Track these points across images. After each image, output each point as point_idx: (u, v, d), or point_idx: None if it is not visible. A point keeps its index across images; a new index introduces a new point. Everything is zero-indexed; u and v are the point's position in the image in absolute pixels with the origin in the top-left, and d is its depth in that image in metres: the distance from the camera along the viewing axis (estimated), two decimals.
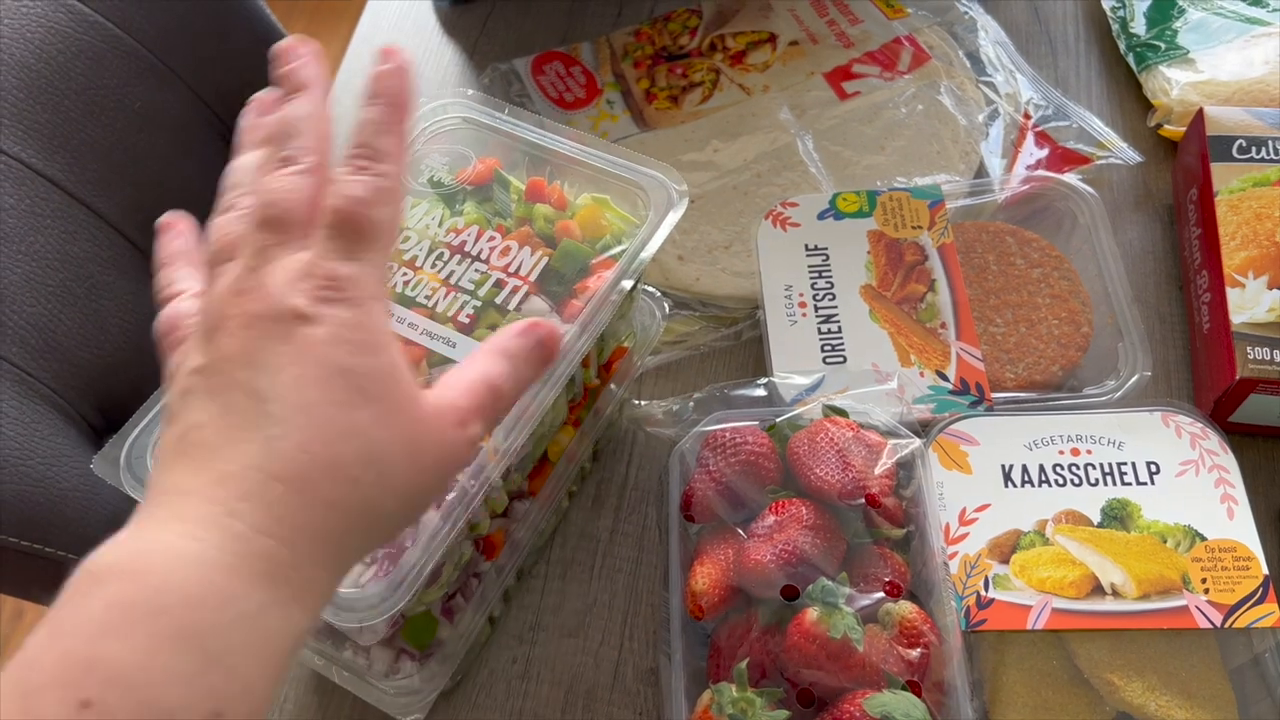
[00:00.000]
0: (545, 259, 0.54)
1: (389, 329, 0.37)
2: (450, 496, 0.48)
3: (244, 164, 0.40)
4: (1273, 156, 0.65)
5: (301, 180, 0.37)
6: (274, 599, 0.32)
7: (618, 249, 0.53)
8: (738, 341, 0.72)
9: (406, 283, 0.54)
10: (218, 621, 0.31)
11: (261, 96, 0.42)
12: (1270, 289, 0.61)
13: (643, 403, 0.65)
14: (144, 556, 0.32)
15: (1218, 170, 0.65)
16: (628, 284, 0.52)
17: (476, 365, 0.40)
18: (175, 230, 0.45)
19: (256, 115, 0.42)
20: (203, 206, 0.87)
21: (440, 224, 0.55)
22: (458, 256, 0.54)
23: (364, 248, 0.36)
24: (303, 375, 0.34)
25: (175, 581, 0.31)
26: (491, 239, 0.55)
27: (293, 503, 0.33)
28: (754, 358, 0.71)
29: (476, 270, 0.54)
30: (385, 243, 0.38)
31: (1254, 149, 0.66)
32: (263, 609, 0.32)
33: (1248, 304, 0.61)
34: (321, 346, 0.35)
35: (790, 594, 0.52)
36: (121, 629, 0.30)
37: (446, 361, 0.51)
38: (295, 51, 0.40)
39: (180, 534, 0.32)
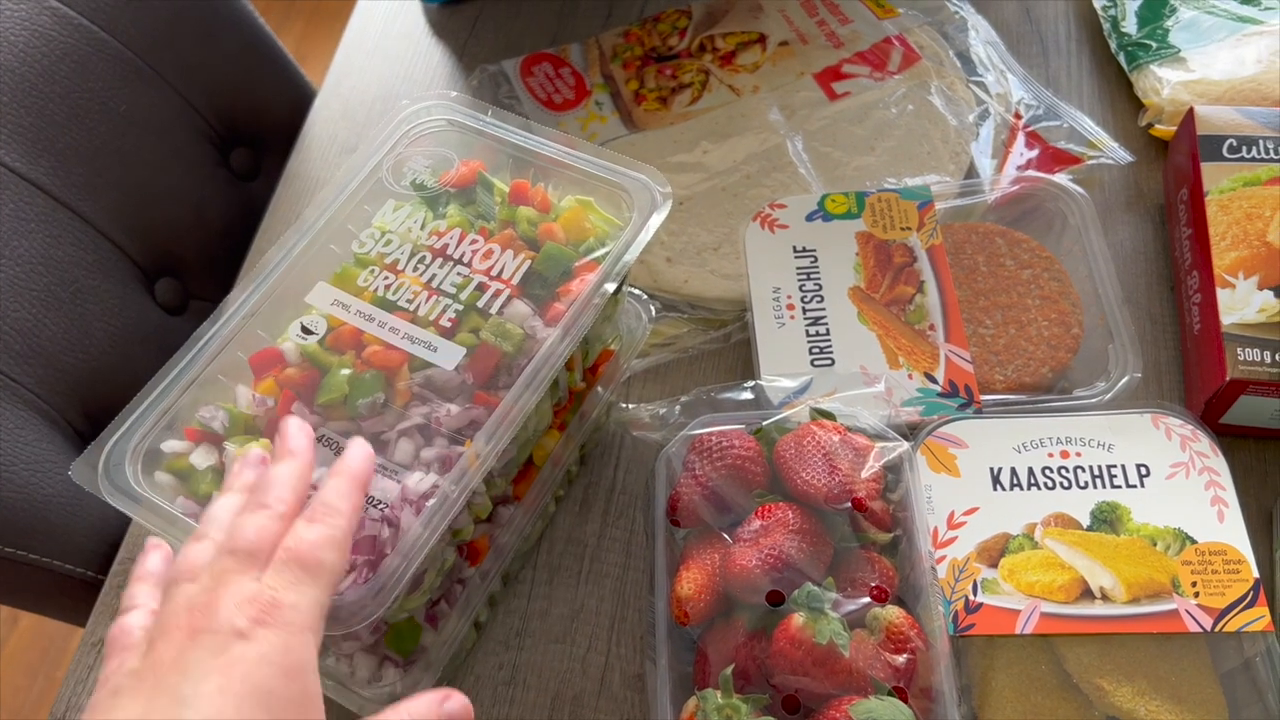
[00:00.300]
0: (528, 262, 0.53)
1: (314, 660, 0.40)
2: (431, 502, 0.48)
3: (223, 504, 0.45)
4: (1263, 156, 0.65)
5: (271, 524, 0.42)
6: None
7: (601, 251, 0.53)
8: (726, 344, 0.72)
9: (388, 286, 0.53)
10: None
11: (252, 451, 0.48)
12: (1261, 290, 0.60)
13: (630, 406, 0.64)
14: None
15: (1208, 170, 0.65)
16: (611, 287, 0.52)
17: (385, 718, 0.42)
18: (156, 552, 0.48)
19: (242, 466, 0.47)
20: (187, 210, 0.87)
21: (423, 227, 0.55)
22: (440, 259, 0.54)
23: (308, 583, 0.41)
24: (225, 687, 0.37)
25: None
26: (474, 242, 0.54)
27: None
28: (743, 360, 0.71)
29: (459, 274, 0.53)
30: (327, 582, 0.42)
31: (1245, 149, 0.65)
32: None
33: (1238, 305, 0.60)
34: (249, 664, 0.38)
35: (775, 599, 0.52)
36: None
37: (428, 366, 0.51)
38: (290, 427, 0.47)
39: None
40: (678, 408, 0.62)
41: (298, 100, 0.94)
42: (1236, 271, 0.61)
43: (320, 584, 0.41)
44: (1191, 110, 0.68)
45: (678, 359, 0.71)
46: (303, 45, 2.19)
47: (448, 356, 0.51)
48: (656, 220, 0.53)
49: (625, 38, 0.87)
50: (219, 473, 0.50)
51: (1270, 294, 0.60)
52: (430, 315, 0.52)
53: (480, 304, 0.52)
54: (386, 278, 0.53)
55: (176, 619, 0.40)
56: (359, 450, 0.47)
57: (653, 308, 0.64)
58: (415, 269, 0.54)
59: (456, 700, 0.44)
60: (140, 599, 0.45)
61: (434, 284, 0.53)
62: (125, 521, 0.70)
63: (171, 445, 0.51)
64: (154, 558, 0.47)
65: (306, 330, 0.52)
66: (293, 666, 0.39)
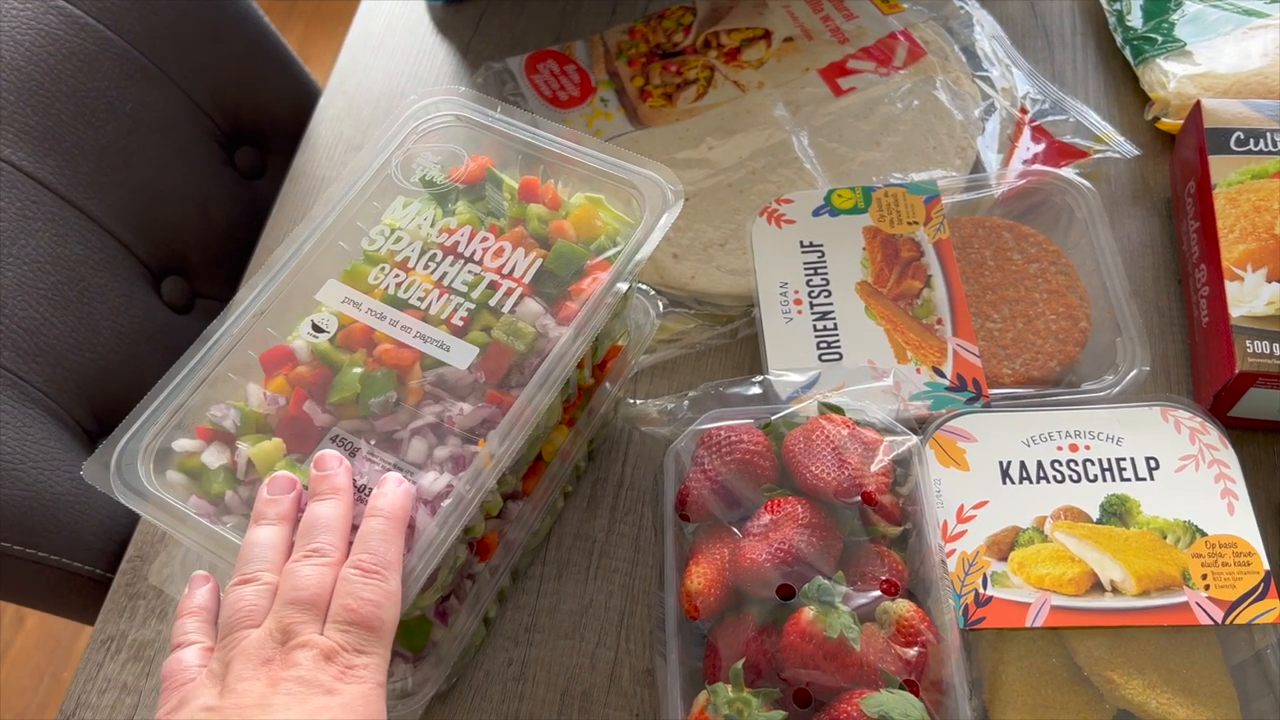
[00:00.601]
0: (539, 260, 0.53)
1: (384, 712, 0.44)
2: (446, 503, 0.48)
3: (262, 540, 0.47)
4: (1271, 149, 0.65)
5: (325, 572, 0.45)
6: None
7: (613, 250, 0.53)
8: (734, 339, 0.72)
9: (399, 284, 0.53)
10: None
11: (280, 476, 0.49)
12: (1269, 282, 0.60)
13: (638, 401, 0.64)
14: None
15: (1215, 163, 0.65)
16: (623, 286, 0.52)
17: None
18: (204, 588, 0.49)
19: (272, 492, 0.48)
20: (193, 208, 0.87)
21: (432, 224, 0.55)
22: (450, 257, 0.54)
23: (375, 642, 0.44)
24: None
25: None
26: (485, 240, 0.54)
27: None
28: (750, 355, 0.71)
29: (470, 272, 0.53)
30: (387, 639, 0.45)
31: (1252, 141, 0.65)
32: None
33: (1246, 297, 0.60)
34: (334, 710, 0.41)
35: (786, 593, 0.52)
36: None
37: (440, 365, 0.51)
38: (329, 462, 0.48)
39: None
40: (686, 403, 0.62)
41: (303, 99, 0.94)
42: (1245, 264, 0.61)
43: (384, 641, 0.44)
44: (1198, 103, 0.68)
45: (685, 355, 0.71)
46: (305, 45, 2.19)
47: (460, 355, 0.51)
48: (669, 218, 0.53)
49: (630, 34, 0.87)
50: (230, 471, 0.50)
51: (1279, 286, 0.60)
52: (442, 314, 0.52)
53: (492, 302, 0.52)
54: (397, 275, 0.54)
55: (249, 666, 0.42)
56: (397, 490, 0.48)
57: (660, 304, 0.64)
58: (426, 267, 0.54)
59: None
60: (193, 635, 0.47)
61: (445, 282, 0.53)
62: (134, 519, 0.70)
63: (183, 444, 0.51)
64: (202, 593, 0.49)
65: (317, 328, 0.52)
66: (371, 717, 0.42)
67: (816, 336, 0.65)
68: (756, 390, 0.63)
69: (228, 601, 0.45)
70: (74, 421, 0.73)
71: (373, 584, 0.45)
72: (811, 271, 0.67)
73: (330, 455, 0.49)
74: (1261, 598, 0.54)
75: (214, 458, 0.50)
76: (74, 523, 0.70)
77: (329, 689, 0.42)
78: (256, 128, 0.93)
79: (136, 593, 0.66)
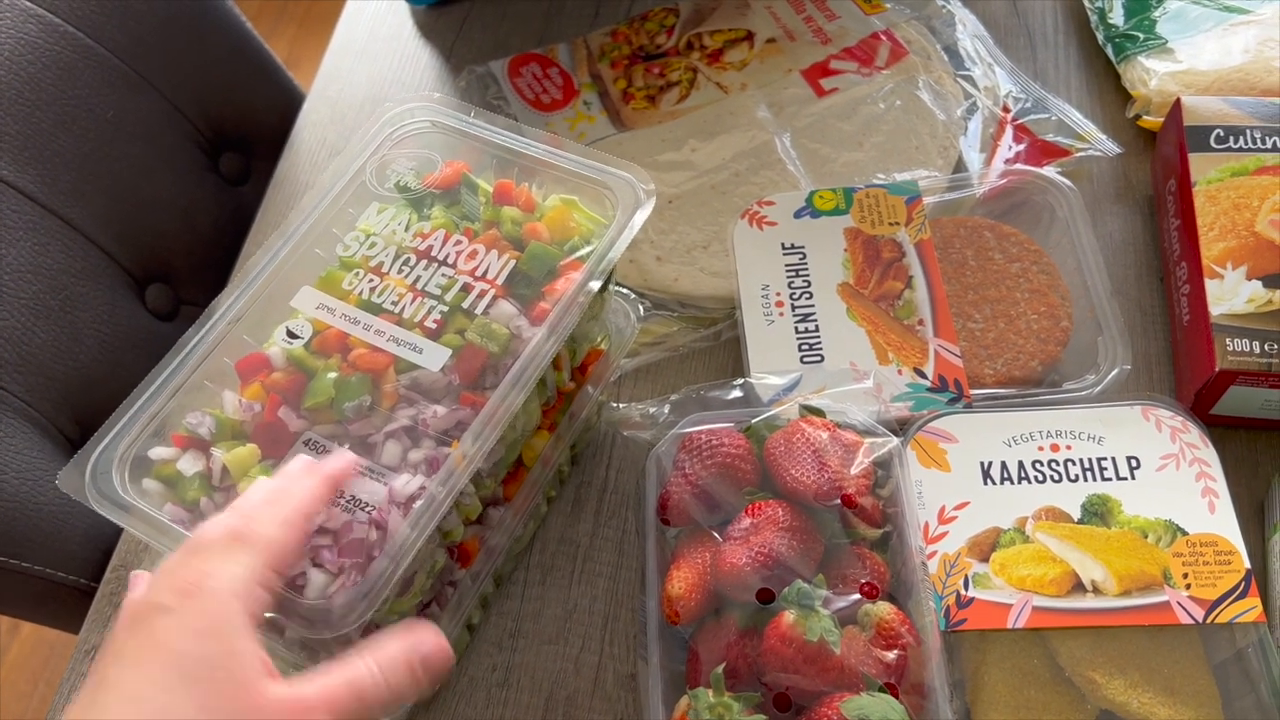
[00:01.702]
0: (513, 262, 0.53)
1: (240, 621, 0.39)
2: (418, 504, 0.48)
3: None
4: (1251, 146, 0.65)
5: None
6: None
7: (585, 250, 0.53)
8: (717, 342, 0.71)
9: (373, 289, 0.53)
10: None
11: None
12: (1249, 280, 0.60)
13: (620, 406, 0.64)
14: None
15: (1195, 160, 0.65)
16: (595, 285, 0.52)
17: (348, 666, 0.41)
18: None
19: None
20: (177, 215, 0.87)
21: (407, 228, 0.55)
22: (424, 261, 0.54)
23: (239, 550, 0.41)
24: (141, 658, 0.38)
25: None
26: (458, 243, 0.54)
27: None
28: (733, 358, 0.71)
29: (443, 275, 0.53)
30: (262, 551, 0.41)
31: (1232, 139, 0.65)
32: None
33: (1226, 295, 0.60)
34: (167, 633, 0.38)
35: (766, 597, 0.52)
36: None
37: (414, 368, 0.51)
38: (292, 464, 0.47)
39: None
40: (667, 406, 0.62)
41: (286, 104, 0.94)
42: (1225, 262, 0.61)
43: (252, 551, 0.41)
44: (1178, 101, 0.68)
45: (668, 358, 0.71)
46: (295, 49, 2.19)
47: (433, 358, 0.51)
48: (640, 217, 0.53)
49: (613, 37, 0.87)
50: (206, 479, 0.50)
51: (1259, 284, 0.60)
52: (415, 317, 0.52)
53: (465, 305, 0.52)
54: (371, 280, 0.53)
55: (120, 618, 0.40)
56: (338, 456, 0.47)
57: (641, 307, 0.64)
58: (400, 271, 0.54)
59: (428, 638, 0.43)
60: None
61: (419, 286, 0.53)
62: (117, 529, 0.70)
63: (159, 452, 0.51)
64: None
65: (292, 334, 0.52)
66: (210, 628, 0.38)
67: (798, 338, 0.65)
68: (738, 393, 0.63)
69: None
70: (57, 431, 0.73)
71: (258, 502, 0.43)
72: (793, 273, 0.67)
73: (298, 458, 0.48)
74: (1242, 596, 0.54)
75: (189, 465, 0.50)
76: (58, 533, 0.70)
77: (166, 608, 0.39)
78: (240, 134, 0.93)
79: (120, 602, 0.66)
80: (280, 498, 0.44)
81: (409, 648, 0.42)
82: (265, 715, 0.38)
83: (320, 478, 0.45)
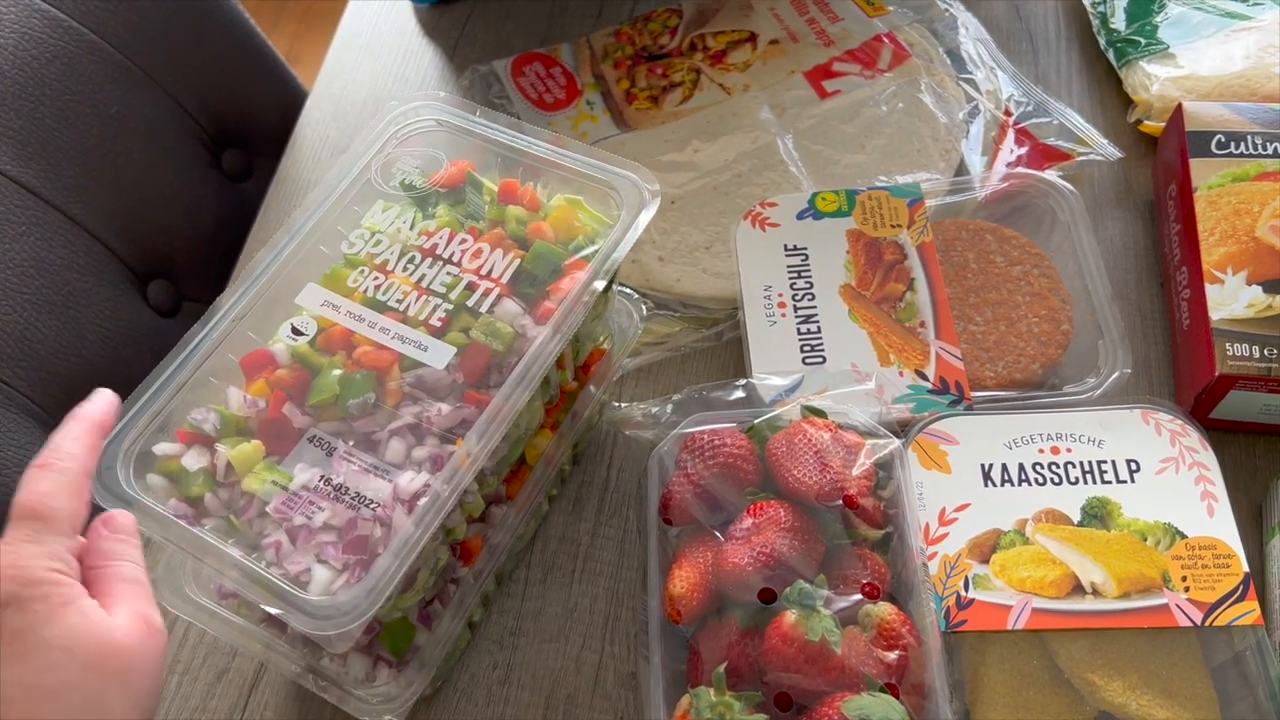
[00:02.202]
0: (517, 261, 0.53)
1: (45, 613, 0.41)
2: (423, 501, 0.48)
3: None
4: (1252, 152, 0.65)
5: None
6: None
7: (590, 249, 0.53)
8: (719, 342, 0.72)
9: (378, 287, 0.53)
10: None
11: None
12: (1249, 285, 0.61)
13: (623, 405, 0.64)
14: None
15: (1197, 166, 0.65)
16: (600, 284, 0.52)
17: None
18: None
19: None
20: (179, 212, 0.87)
21: (412, 227, 0.55)
22: (429, 259, 0.54)
23: (45, 531, 0.43)
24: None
25: None
26: (463, 241, 0.54)
27: None
28: (735, 358, 0.71)
29: (448, 273, 0.53)
30: (63, 526, 0.44)
31: (1233, 144, 0.66)
32: None
33: (1227, 300, 0.60)
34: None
35: (767, 597, 0.52)
36: None
37: (419, 366, 0.51)
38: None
39: None
40: (670, 406, 0.62)
41: (289, 102, 0.94)
42: (1225, 267, 0.62)
43: (56, 528, 0.43)
44: (1180, 106, 0.68)
45: (670, 357, 0.71)
46: (295, 45, 2.19)
47: (438, 356, 0.51)
48: (645, 217, 0.53)
49: (616, 37, 0.87)
50: (210, 474, 0.50)
51: (1259, 289, 0.60)
52: (420, 315, 0.52)
53: (470, 303, 0.52)
54: (376, 278, 0.54)
55: None
56: (100, 397, 0.49)
57: (644, 306, 0.64)
58: (405, 269, 0.54)
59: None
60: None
61: (424, 284, 0.53)
62: None
63: (163, 447, 0.51)
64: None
65: (297, 331, 0.52)
66: (17, 595, 0.41)
67: (800, 340, 0.65)
68: (740, 394, 0.63)
69: None
70: (58, 425, 0.73)
71: (45, 474, 0.45)
72: (795, 275, 0.68)
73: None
74: (1241, 599, 0.54)
75: (194, 460, 0.50)
76: None
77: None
78: (242, 131, 0.93)
79: None
80: (62, 459, 0.46)
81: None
82: (135, 648, 0.43)
83: (95, 429, 0.48)
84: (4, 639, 0.40)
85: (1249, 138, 0.66)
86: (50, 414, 0.72)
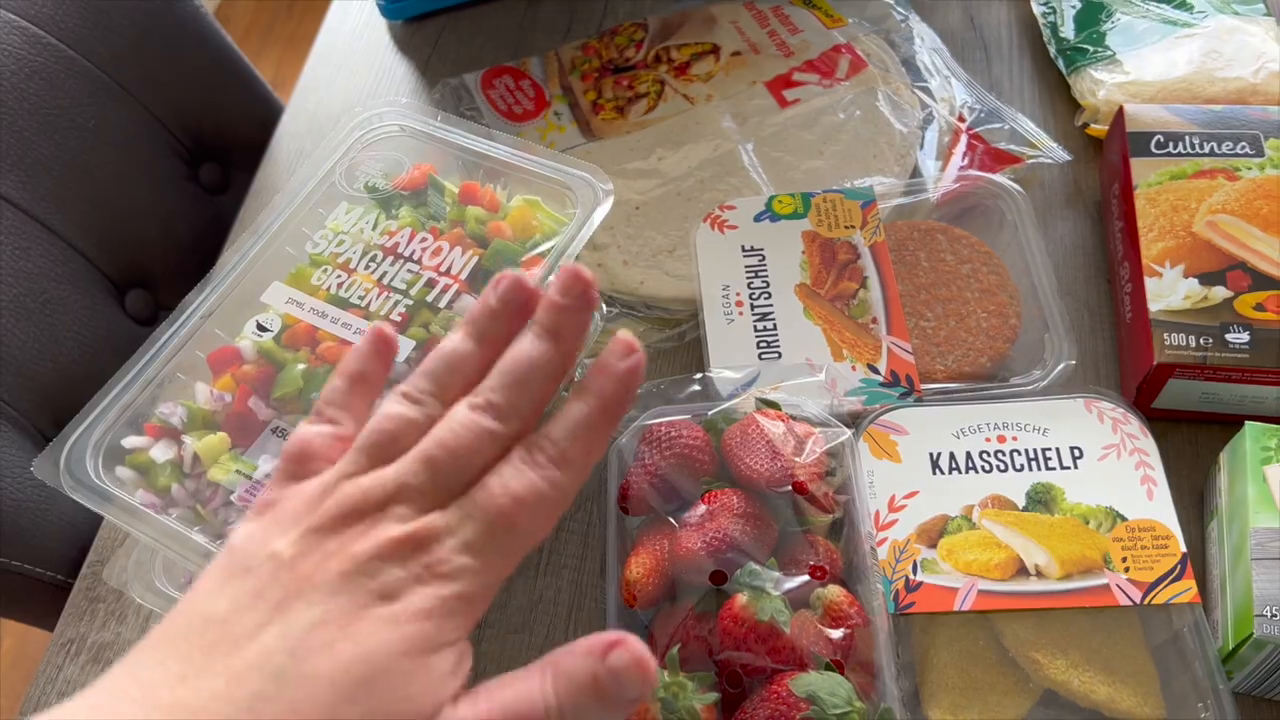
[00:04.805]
0: (476, 258, 0.55)
1: (458, 636, 0.34)
2: None
3: (449, 350, 0.37)
4: (1189, 151, 0.67)
5: (489, 442, 0.35)
6: None
7: (546, 246, 0.55)
8: (681, 342, 0.74)
9: (341, 284, 0.55)
10: None
11: (512, 280, 0.38)
12: (1186, 278, 0.63)
13: None
14: None
15: (1137, 165, 0.67)
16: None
17: (518, 687, 0.34)
18: (379, 349, 0.40)
19: (495, 298, 0.38)
20: (157, 223, 0.88)
21: (374, 227, 0.57)
22: (390, 258, 0.56)
23: (497, 548, 0.34)
24: (339, 645, 0.32)
25: None
26: (424, 240, 0.56)
27: None
28: (696, 358, 0.73)
29: (409, 271, 0.55)
30: (517, 551, 0.35)
31: (1171, 144, 0.68)
32: None
33: (1165, 292, 0.63)
34: (378, 626, 0.32)
35: (719, 580, 0.54)
36: None
37: None
38: (578, 286, 0.37)
39: None
40: None
41: (265, 116, 0.97)
42: (1164, 261, 0.64)
43: (503, 553, 0.34)
44: (1121, 109, 0.70)
45: None
46: (281, 70, 2.22)
47: (399, 350, 0.53)
48: (599, 214, 0.55)
49: (584, 50, 0.89)
50: (177, 466, 0.52)
51: (1195, 281, 0.63)
52: (382, 311, 0.54)
53: (430, 299, 0.54)
54: (339, 276, 0.55)
55: (338, 514, 0.34)
56: (620, 366, 0.36)
57: (605, 307, 0.66)
58: (367, 267, 0.56)
59: (626, 651, 0.33)
60: (339, 416, 0.38)
61: (385, 281, 0.55)
62: (94, 525, 0.71)
63: (132, 441, 0.52)
64: (370, 360, 0.40)
65: (262, 328, 0.54)
66: (420, 639, 0.32)
67: (757, 336, 0.67)
68: (697, 388, 0.65)
69: (381, 408, 0.36)
70: (35, 430, 0.75)
71: (534, 476, 0.34)
72: (752, 274, 0.70)
73: (574, 274, 0.37)
74: (1178, 579, 0.56)
75: (162, 453, 0.52)
76: (35, 529, 0.71)
77: (391, 595, 0.32)
78: (219, 145, 0.95)
79: (96, 596, 0.67)
80: (557, 464, 0.35)
81: (598, 662, 0.33)
82: None
83: (607, 420, 0.36)
84: (349, 635, 0.32)
85: (1186, 138, 0.68)
86: (26, 418, 0.74)
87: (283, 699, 0.31)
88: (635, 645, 0.34)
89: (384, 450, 0.35)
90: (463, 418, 0.35)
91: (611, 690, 0.33)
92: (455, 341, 0.37)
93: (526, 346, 0.36)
